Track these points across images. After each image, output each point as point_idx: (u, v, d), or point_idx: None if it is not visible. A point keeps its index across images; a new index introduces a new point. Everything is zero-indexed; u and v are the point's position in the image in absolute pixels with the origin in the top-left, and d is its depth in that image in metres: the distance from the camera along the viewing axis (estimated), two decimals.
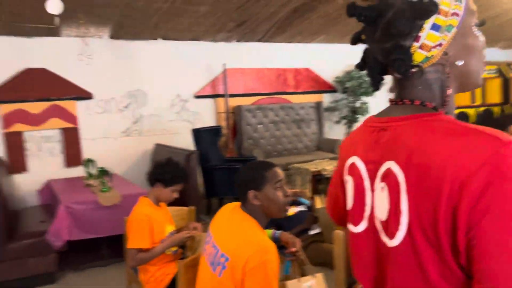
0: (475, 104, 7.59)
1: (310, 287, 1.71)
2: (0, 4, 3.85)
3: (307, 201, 2.97)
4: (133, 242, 2.19)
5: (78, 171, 4.84)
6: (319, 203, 3.16)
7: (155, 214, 2.29)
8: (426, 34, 0.76)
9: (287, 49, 6.26)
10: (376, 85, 0.87)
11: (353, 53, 0.92)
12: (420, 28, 0.76)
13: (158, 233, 2.25)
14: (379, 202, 0.80)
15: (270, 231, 1.91)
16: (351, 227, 0.90)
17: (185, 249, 2.41)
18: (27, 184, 4.72)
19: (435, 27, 0.76)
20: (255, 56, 6.05)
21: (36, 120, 4.79)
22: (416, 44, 0.77)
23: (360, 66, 0.91)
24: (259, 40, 5.92)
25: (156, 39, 5.36)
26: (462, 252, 0.66)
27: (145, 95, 5.39)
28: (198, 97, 5.71)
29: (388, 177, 0.77)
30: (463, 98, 7.33)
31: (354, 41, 0.90)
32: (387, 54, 0.79)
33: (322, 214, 2.91)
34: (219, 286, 1.45)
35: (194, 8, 4.51)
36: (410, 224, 0.72)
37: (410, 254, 0.72)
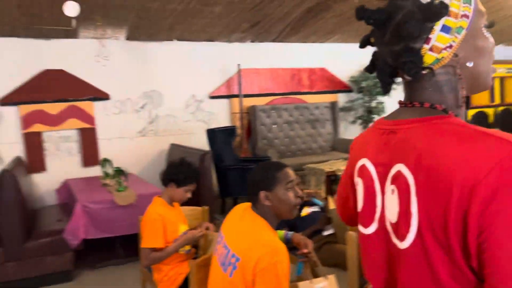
0: (494, 103, 7.44)
1: None
2: (19, 7, 3.93)
3: (320, 202, 2.97)
4: (146, 242, 2.22)
5: (95, 171, 4.91)
6: (333, 204, 3.15)
7: (169, 213, 2.31)
8: (436, 36, 0.76)
9: (302, 49, 6.24)
10: (386, 87, 0.87)
11: (369, 53, 0.92)
12: (430, 30, 0.76)
13: (172, 232, 2.28)
14: (389, 204, 0.80)
15: (282, 232, 1.90)
16: (361, 229, 0.90)
17: (198, 248, 2.43)
18: (45, 184, 4.82)
19: (445, 29, 0.76)
20: (270, 56, 6.06)
21: (54, 121, 4.88)
22: (426, 46, 0.77)
23: (369, 69, 0.91)
24: (274, 40, 5.92)
25: (171, 40, 5.41)
26: (472, 255, 0.66)
27: (161, 95, 5.44)
28: (213, 97, 5.74)
29: (398, 179, 0.77)
30: (482, 98, 7.21)
31: (363, 44, 0.90)
32: (397, 56, 0.79)
33: (336, 215, 2.90)
34: (230, 286, 1.46)
35: (208, 9, 4.54)
36: (420, 226, 0.72)
37: (420, 256, 0.72)
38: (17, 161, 4.15)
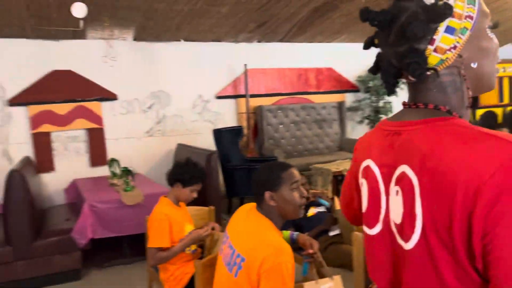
0: (503, 103, 7.37)
1: None
2: (28, 8, 3.97)
3: (326, 203, 2.96)
4: (153, 241, 2.24)
5: (103, 171, 4.94)
6: (339, 204, 3.14)
7: (175, 213, 2.32)
8: (441, 37, 0.76)
9: (309, 49, 6.23)
10: (390, 88, 0.87)
11: (376, 52, 0.92)
12: (434, 31, 0.76)
13: (177, 232, 2.29)
14: (393, 206, 0.80)
15: (288, 233, 1.91)
16: (366, 229, 0.91)
17: (204, 248, 2.44)
18: (54, 183, 4.86)
19: (450, 30, 0.76)
20: (276, 56, 6.05)
21: (62, 121, 4.92)
22: (430, 47, 0.77)
23: (373, 70, 0.91)
24: (280, 40, 5.92)
25: (178, 40, 5.43)
26: (477, 256, 0.66)
27: (168, 95, 5.47)
28: (219, 97, 5.75)
29: (403, 180, 0.77)
30: (491, 97, 7.14)
31: (367, 46, 0.90)
32: (401, 57, 0.79)
33: (342, 215, 2.90)
34: (235, 286, 1.47)
35: (215, 10, 4.55)
36: (424, 227, 0.72)
37: (425, 257, 0.72)
38: (26, 161, 4.19)
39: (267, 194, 1.53)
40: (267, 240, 1.46)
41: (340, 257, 2.73)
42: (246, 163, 5.16)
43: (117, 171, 4.32)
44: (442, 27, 0.76)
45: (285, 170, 1.57)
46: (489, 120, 7.00)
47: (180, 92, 5.49)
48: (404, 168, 0.77)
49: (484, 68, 0.81)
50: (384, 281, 0.86)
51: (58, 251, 3.37)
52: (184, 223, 2.37)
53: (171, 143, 5.41)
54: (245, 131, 5.77)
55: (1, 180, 3.30)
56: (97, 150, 5.09)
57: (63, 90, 4.88)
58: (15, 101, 4.71)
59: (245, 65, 5.72)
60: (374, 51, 0.93)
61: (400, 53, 0.79)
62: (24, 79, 4.74)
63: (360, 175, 0.93)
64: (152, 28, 4.89)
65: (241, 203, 4.62)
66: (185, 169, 2.34)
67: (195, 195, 2.39)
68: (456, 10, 0.76)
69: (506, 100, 7.41)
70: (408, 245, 0.75)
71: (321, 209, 3.08)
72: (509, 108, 7.41)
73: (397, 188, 0.78)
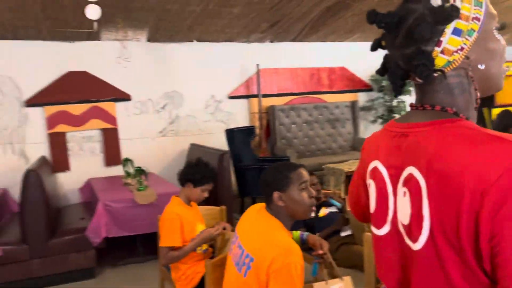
0: None
1: None
2: (44, 11, 4.05)
3: (338, 203, 2.95)
4: (164, 241, 2.26)
5: (117, 170, 5.00)
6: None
7: (186, 213, 2.34)
8: (448, 39, 0.77)
9: (321, 48, 6.21)
10: (397, 90, 0.88)
11: (384, 54, 0.92)
12: (441, 33, 0.77)
13: (189, 232, 2.31)
14: (401, 207, 0.81)
15: (298, 233, 1.91)
16: (374, 230, 0.92)
17: (215, 248, 2.45)
18: (69, 183, 4.94)
19: (457, 32, 0.76)
20: (289, 56, 6.05)
21: (77, 121, 5.00)
22: (437, 49, 0.77)
23: (380, 72, 0.92)
24: (293, 40, 5.92)
25: (191, 41, 5.47)
26: (485, 257, 0.66)
27: (181, 96, 5.51)
28: (232, 97, 5.77)
29: (410, 182, 0.77)
30: (508, 96, 7.01)
31: (374, 48, 0.91)
32: (408, 59, 0.80)
33: (353, 216, 2.88)
34: (244, 286, 1.48)
35: (227, 10, 4.56)
36: (432, 228, 0.72)
37: (433, 257, 0.73)
38: (42, 160, 4.26)
39: (276, 194, 1.54)
40: (276, 240, 1.46)
41: (352, 258, 2.72)
42: (258, 163, 5.16)
43: (131, 170, 4.36)
44: (449, 29, 0.76)
45: (293, 170, 1.57)
46: (506, 119, 6.87)
47: (192, 93, 5.53)
48: (411, 170, 0.77)
49: (492, 69, 0.81)
50: (393, 281, 0.87)
51: (73, 249, 3.43)
52: (195, 222, 2.39)
53: (184, 143, 5.45)
54: (258, 131, 5.78)
55: (18, 180, 3.36)
56: (111, 150, 5.15)
57: (78, 90, 4.96)
58: (31, 102, 4.81)
59: (258, 65, 5.73)
60: None
61: (407, 55, 0.79)
62: (40, 80, 4.83)
63: (368, 176, 0.94)
64: (165, 29, 4.93)
65: (253, 203, 4.62)
66: (196, 169, 2.36)
67: (206, 194, 2.41)
68: (463, 12, 0.76)
69: None
70: (416, 246, 0.76)
71: (333, 209, 3.08)
72: None
73: (405, 189, 0.79)
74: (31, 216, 3.28)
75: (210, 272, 1.78)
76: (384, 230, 0.87)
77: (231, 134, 5.04)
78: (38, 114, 4.86)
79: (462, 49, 0.77)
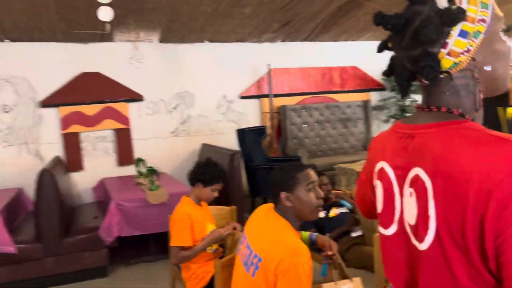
0: None
1: None
2: (58, 13, 4.11)
3: (349, 204, 2.94)
4: (175, 240, 2.28)
5: (130, 170, 5.05)
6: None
7: (196, 213, 2.36)
8: (454, 41, 0.77)
9: (333, 47, 6.19)
10: (404, 91, 0.89)
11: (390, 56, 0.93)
12: (447, 34, 0.77)
13: (199, 231, 2.33)
14: (408, 207, 0.82)
15: (307, 233, 1.91)
16: (381, 230, 0.93)
17: (225, 248, 2.46)
18: (83, 182, 5.01)
19: (463, 34, 0.77)
20: (300, 56, 6.04)
21: (91, 122, 5.07)
22: (444, 51, 0.78)
23: (387, 74, 0.93)
24: (304, 40, 5.90)
25: (202, 41, 5.49)
26: (490, 257, 0.67)
27: (193, 96, 5.54)
28: (243, 97, 5.79)
29: (416, 183, 0.78)
30: None
31: (381, 49, 0.92)
32: (415, 61, 0.80)
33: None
34: (252, 286, 1.49)
35: (238, 10, 4.58)
36: (438, 229, 0.73)
37: (439, 257, 0.74)
38: (56, 160, 4.33)
39: (283, 195, 1.54)
40: (284, 240, 1.47)
41: (362, 259, 2.70)
42: (269, 163, 5.17)
43: (143, 170, 4.40)
44: (455, 30, 0.77)
45: (300, 170, 1.57)
46: None
47: (204, 93, 5.56)
48: (417, 171, 0.78)
49: (498, 71, 0.82)
50: (400, 281, 0.88)
51: (86, 248, 3.48)
52: (205, 222, 2.41)
53: (195, 143, 5.48)
54: (269, 130, 5.78)
55: (33, 179, 3.42)
56: (124, 150, 5.21)
57: (91, 91, 5.03)
58: (46, 103, 4.89)
59: (269, 65, 5.73)
60: None
61: (414, 57, 0.80)
62: (55, 81, 4.91)
63: (375, 176, 0.95)
64: (177, 29, 4.97)
65: (264, 203, 4.63)
66: (205, 169, 2.37)
67: (216, 194, 2.42)
68: (469, 14, 0.77)
69: None
70: (423, 246, 0.77)
71: (343, 210, 3.07)
72: None
73: (411, 190, 0.80)
74: (46, 215, 3.34)
75: (219, 272, 1.79)
76: (391, 230, 0.88)
77: (242, 134, 5.05)
78: (53, 115, 4.93)
79: (468, 51, 0.77)
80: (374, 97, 6.49)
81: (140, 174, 4.39)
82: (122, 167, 5.19)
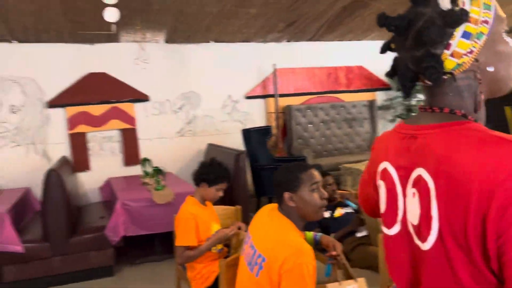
0: None
1: None
2: (65, 14, 4.15)
3: (354, 205, 2.93)
4: (180, 240, 2.29)
5: (136, 170, 5.07)
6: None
7: (201, 213, 2.37)
8: (457, 42, 0.78)
9: (338, 47, 6.18)
10: (407, 92, 0.89)
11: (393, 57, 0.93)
12: (450, 36, 0.78)
13: (204, 231, 2.34)
14: (410, 207, 0.82)
15: (311, 234, 1.91)
16: (385, 230, 0.93)
17: (230, 248, 2.47)
18: (89, 182, 5.05)
19: (466, 35, 0.77)
20: (306, 56, 6.04)
21: (98, 122, 5.10)
22: (447, 52, 0.78)
23: (390, 74, 0.93)
24: (310, 40, 5.90)
25: (208, 41, 5.51)
26: (492, 257, 0.67)
27: (198, 96, 5.56)
28: (248, 97, 5.80)
29: (419, 183, 0.79)
30: None
31: (384, 50, 0.92)
32: (418, 62, 0.81)
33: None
34: (256, 286, 1.49)
35: (244, 11, 4.58)
36: (440, 229, 0.74)
37: (441, 257, 0.74)
38: (63, 160, 4.37)
39: (286, 195, 1.55)
40: (287, 240, 1.47)
41: (367, 259, 2.69)
42: (274, 163, 5.17)
43: (149, 170, 4.43)
44: (458, 32, 0.77)
45: (304, 170, 1.57)
46: None
47: (210, 93, 5.57)
48: (420, 171, 0.79)
49: (501, 72, 0.82)
50: (403, 281, 0.88)
51: (93, 247, 3.50)
52: (210, 222, 2.41)
53: (201, 143, 5.50)
54: (274, 130, 5.79)
55: (40, 179, 3.45)
56: (130, 150, 5.24)
57: (98, 92, 5.06)
58: (53, 103, 4.93)
59: (274, 64, 5.73)
60: None
61: (417, 58, 0.80)
62: (62, 82, 4.95)
63: (378, 176, 0.95)
64: (183, 30, 4.99)
65: (270, 203, 4.64)
66: (210, 169, 2.38)
67: (221, 194, 2.43)
68: (472, 15, 0.77)
69: None
70: (425, 246, 0.77)
71: (348, 210, 3.06)
72: None
73: (414, 190, 0.80)
74: (53, 215, 3.36)
75: (223, 272, 1.80)
76: (394, 230, 0.89)
77: (247, 134, 5.05)
78: (60, 115, 4.97)
79: (471, 52, 0.78)
80: (380, 97, 6.47)
81: (146, 174, 4.41)
82: (128, 167, 5.22)
